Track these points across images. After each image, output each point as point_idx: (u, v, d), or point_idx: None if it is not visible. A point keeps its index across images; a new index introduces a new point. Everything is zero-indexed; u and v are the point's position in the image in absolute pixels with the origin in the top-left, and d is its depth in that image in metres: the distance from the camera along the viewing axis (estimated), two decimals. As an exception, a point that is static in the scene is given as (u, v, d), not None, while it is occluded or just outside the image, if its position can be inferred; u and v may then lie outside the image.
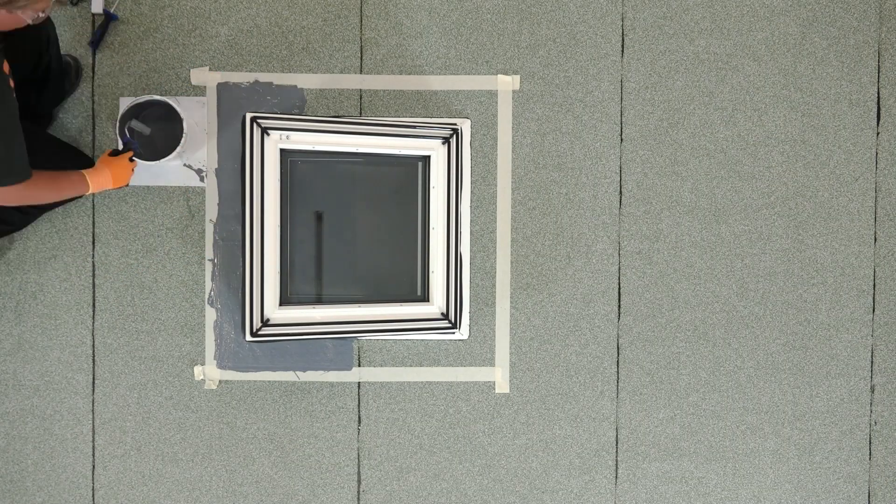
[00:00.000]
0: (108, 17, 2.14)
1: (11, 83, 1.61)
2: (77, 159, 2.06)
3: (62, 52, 2.07)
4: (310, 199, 2.10)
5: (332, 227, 2.13)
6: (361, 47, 2.20)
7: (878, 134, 2.27)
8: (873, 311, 2.28)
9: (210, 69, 2.18)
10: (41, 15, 1.51)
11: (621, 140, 2.24)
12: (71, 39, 2.17)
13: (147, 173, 2.18)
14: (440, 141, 2.07)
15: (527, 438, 2.25)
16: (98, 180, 1.90)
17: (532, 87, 2.22)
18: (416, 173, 2.14)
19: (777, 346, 2.27)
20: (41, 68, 1.87)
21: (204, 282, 2.20)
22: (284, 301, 2.04)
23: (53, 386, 2.20)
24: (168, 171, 2.18)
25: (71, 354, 2.20)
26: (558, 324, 2.25)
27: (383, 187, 2.14)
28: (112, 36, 2.17)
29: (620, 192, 2.24)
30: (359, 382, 2.23)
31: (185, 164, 2.18)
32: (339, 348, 2.21)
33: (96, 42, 2.15)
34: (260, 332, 1.97)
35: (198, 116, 2.18)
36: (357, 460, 2.24)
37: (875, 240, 2.27)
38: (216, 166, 2.19)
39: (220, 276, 2.20)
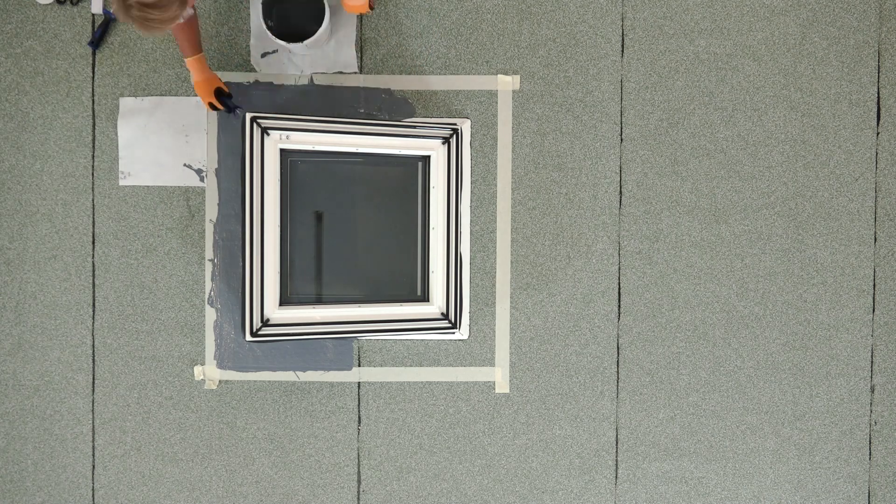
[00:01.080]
0: (108, 17, 2.14)
1: None
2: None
3: None
4: (310, 199, 2.10)
5: (332, 227, 2.13)
6: (361, 47, 2.20)
7: (878, 134, 2.27)
8: (873, 311, 2.28)
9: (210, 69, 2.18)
10: None
11: (621, 140, 2.24)
12: (71, 39, 2.17)
13: (147, 173, 2.18)
14: (440, 141, 2.07)
15: (527, 438, 2.25)
16: (197, 68, 1.92)
17: (532, 87, 2.22)
18: (416, 173, 2.14)
19: (777, 346, 2.27)
20: None
21: (204, 282, 2.20)
22: (284, 301, 2.04)
23: (53, 386, 2.20)
24: (168, 171, 2.18)
25: (71, 354, 2.20)
26: (558, 324, 2.25)
27: (383, 187, 2.14)
28: (112, 36, 2.18)
29: (620, 192, 2.24)
30: (359, 382, 2.23)
31: (184, 164, 2.19)
32: (339, 348, 2.22)
33: (96, 42, 2.15)
34: (260, 332, 1.97)
35: (198, 116, 2.18)
36: (357, 460, 2.24)
37: (875, 240, 2.27)
38: (216, 166, 2.19)
39: (220, 276, 2.20)
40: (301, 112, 2.18)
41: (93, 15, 2.17)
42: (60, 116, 2.18)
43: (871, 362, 2.28)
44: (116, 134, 2.18)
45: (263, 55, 2.16)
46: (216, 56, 2.18)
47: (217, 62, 2.18)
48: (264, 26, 2.01)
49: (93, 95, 2.18)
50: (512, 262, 2.24)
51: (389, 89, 2.19)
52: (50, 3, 2.16)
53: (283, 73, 2.17)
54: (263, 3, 2.02)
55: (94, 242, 2.20)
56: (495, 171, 2.23)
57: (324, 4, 2.01)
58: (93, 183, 2.19)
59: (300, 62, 2.16)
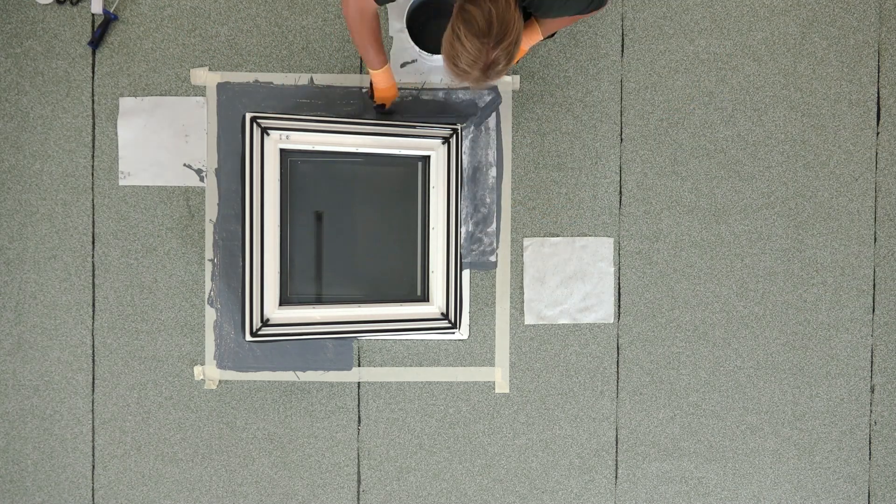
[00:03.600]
0: (108, 17, 2.14)
1: None
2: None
3: None
4: (310, 199, 2.10)
5: (332, 227, 2.13)
6: (361, 47, 2.20)
7: (878, 134, 2.27)
8: (873, 311, 2.28)
9: (210, 69, 2.18)
10: None
11: (621, 140, 2.24)
12: (71, 39, 2.17)
13: (147, 173, 2.18)
14: (440, 141, 2.07)
15: (527, 438, 2.25)
16: (381, 78, 1.94)
17: (532, 87, 2.22)
18: (416, 173, 2.14)
19: (777, 346, 2.27)
20: None
21: (204, 282, 2.20)
22: (284, 301, 2.04)
23: (53, 386, 2.20)
24: (168, 171, 2.18)
25: (71, 354, 2.20)
26: (558, 324, 2.25)
27: (383, 187, 2.14)
28: (112, 36, 2.18)
29: (620, 192, 2.24)
30: (359, 382, 2.23)
31: (184, 164, 2.19)
32: (339, 348, 2.22)
33: (96, 42, 2.15)
34: (260, 332, 1.97)
35: (198, 116, 2.18)
36: (357, 460, 2.24)
37: (875, 240, 2.27)
38: (216, 166, 2.19)
39: (220, 276, 2.20)
40: (301, 112, 2.18)
41: (93, 15, 2.17)
42: (60, 116, 2.18)
43: (871, 362, 2.28)
44: (116, 134, 2.18)
45: (403, 65, 2.17)
46: (215, 56, 2.18)
47: (217, 62, 2.18)
48: (409, 39, 2.06)
49: (93, 95, 2.18)
50: (512, 262, 2.24)
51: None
52: (50, 3, 2.16)
53: (420, 82, 2.19)
54: (407, 17, 2.05)
55: (94, 242, 2.20)
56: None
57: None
58: (93, 183, 2.19)
59: (440, 72, 2.18)
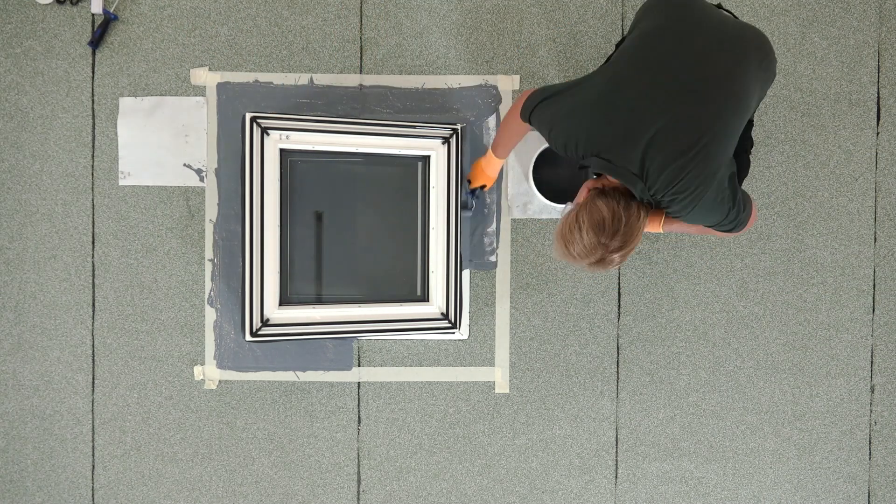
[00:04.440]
0: (108, 17, 2.14)
1: None
2: None
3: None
4: (310, 199, 2.10)
5: (332, 227, 2.12)
6: (361, 47, 2.20)
7: (878, 134, 2.27)
8: (873, 311, 2.28)
9: (210, 69, 2.18)
10: None
11: (621, 140, 2.24)
12: (71, 39, 2.17)
13: (147, 173, 2.18)
14: (440, 141, 2.07)
15: (527, 438, 2.25)
16: (493, 165, 1.99)
17: (532, 87, 2.22)
18: (416, 173, 2.14)
19: (777, 346, 2.27)
20: None
21: (204, 282, 2.20)
22: (284, 301, 2.04)
23: (53, 386, 2.20)
24: (168, 171, 2.18)
25: (71, 354, 2.20)
26: (558, 324, 2.25)
27: (383, 187, 2.14)
28: (112, 36, 2.18)
29: (620, 192, 2.24)
30: (359, 382, 2.23)
31: (184, 164, 2.19)
32: (339, 348, 2.21)
33: (96, 42, 2.15)
34: (260, 332, 1.97)
35: (198, 116, 2.18)
36: (357, 460, 2.24)
37: (875, 240, 2.27)
38: (216, 166, 2.19)
39: (220, 276, 2.20)
40: (301, 112, 2.18)
41: (93, 15, 2.17)
42: (60, 116, 2.18)
43: (871, 362, 2.28)
44: (116, 134, 2.18)
45: None
46: (215, 56, 2.18)
47: (217, 61, 2.18)
48: (534, 186, 2.13)
49: (93, 95, 2.18)
50: (512, 262, 2.24)
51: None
52: (50, 3, 2.16)
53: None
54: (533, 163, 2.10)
55: (94, 242, 2.20)
56: (495, 171, 2.22)
57: None
58: (93, 183, 2.19)
59: (544, 208, 2.21)
